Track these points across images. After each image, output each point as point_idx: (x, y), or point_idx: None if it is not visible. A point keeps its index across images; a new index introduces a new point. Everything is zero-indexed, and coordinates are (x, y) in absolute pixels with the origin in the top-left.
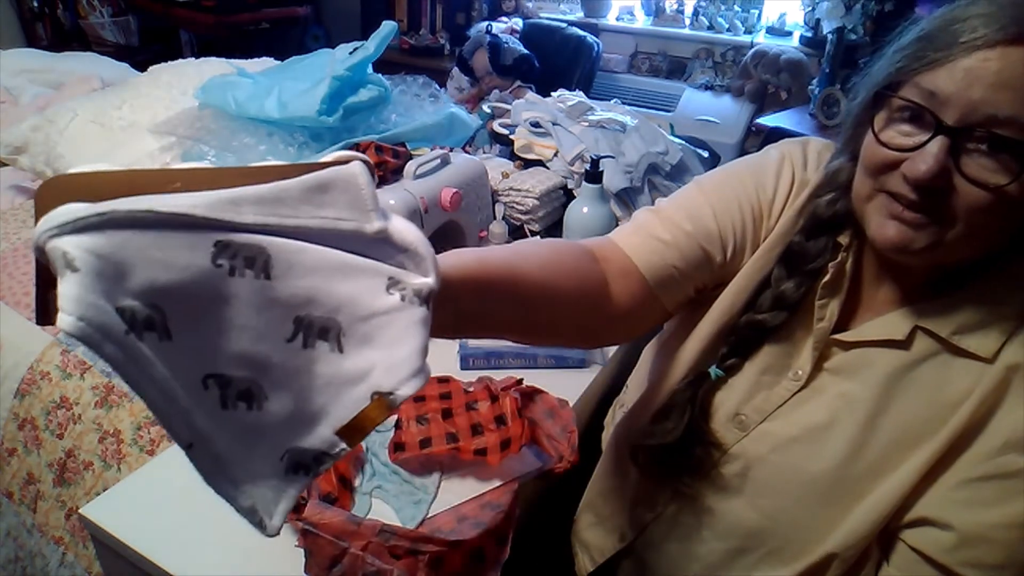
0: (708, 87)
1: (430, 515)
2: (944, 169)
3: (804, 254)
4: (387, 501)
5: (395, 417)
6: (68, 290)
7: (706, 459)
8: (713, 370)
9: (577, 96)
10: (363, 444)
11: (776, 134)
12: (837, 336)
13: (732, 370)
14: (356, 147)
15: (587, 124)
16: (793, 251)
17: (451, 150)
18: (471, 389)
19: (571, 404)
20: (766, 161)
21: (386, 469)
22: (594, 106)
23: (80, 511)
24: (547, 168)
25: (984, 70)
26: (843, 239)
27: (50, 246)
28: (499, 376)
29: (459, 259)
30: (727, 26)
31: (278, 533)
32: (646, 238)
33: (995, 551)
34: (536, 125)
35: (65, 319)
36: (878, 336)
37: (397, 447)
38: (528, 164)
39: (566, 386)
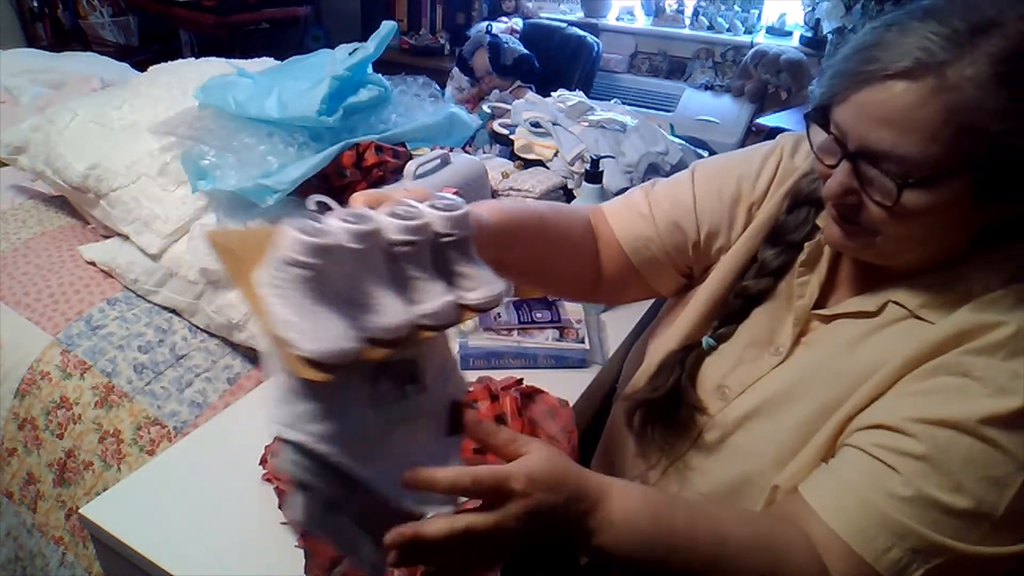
0: (708, 87)
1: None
2: (850, 189)
3: (784, 227)
4: None
5: None
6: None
7: (691, 425)
8: (705, 340)
9: (577, 96)
10: None
11: (776, 134)
12: (816, 311)
13: (722, 339)
14: (356, 147)
15: (587, 124)
16: (776, 225)
17: (451, 150)
18: (471, 389)
19: (571, 404)
20: (757, 149)
21: None
22: (594, 106)
23: (80, 511)
24: (547, 168)
25: (870, 105)
26: (820, 221)
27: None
28: (499, 376)
29: (499, 204)
30: (727, 26)
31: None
32: (629, 212)
33: (908, 441)
34: (536, 125)
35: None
36: (853, 309)
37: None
38: (528, 164)
39: (566, 386)
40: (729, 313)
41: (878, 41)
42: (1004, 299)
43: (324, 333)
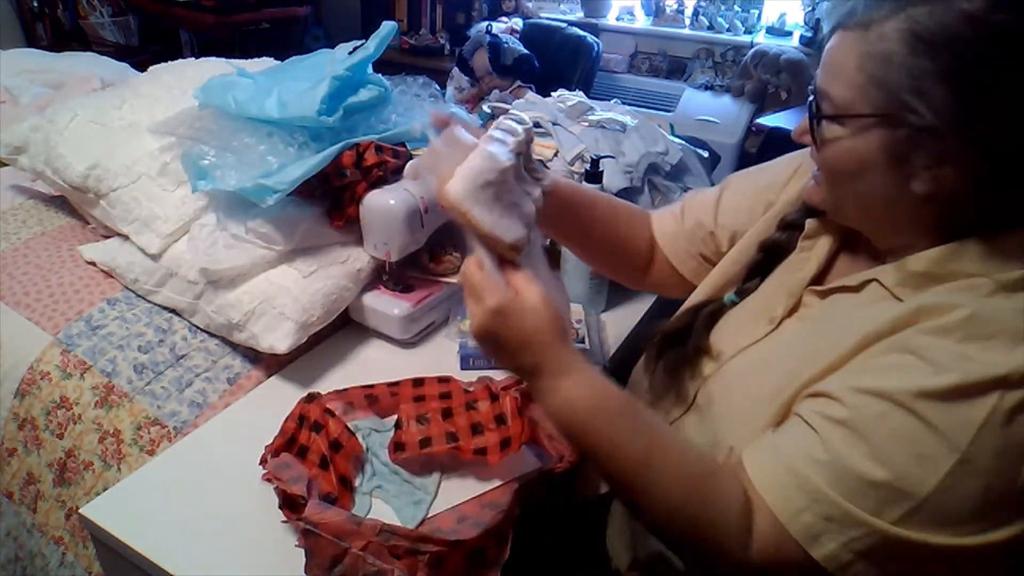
0: (708, 87)
1: (430, 515)
2: (804, 130)
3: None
4: (387, 501)
5: (395, 417)
6: None
7: (689, 386)
8: (728, 296)
9: (577, 96)
10: (363, 444)
11: (776, 134)
12: (813, 287)
13: (744, 294)
14: (356, 147)
15: (587, 124)
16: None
17: None
18: (471, 389)
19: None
20: (780, 159)
21: (386, 469)
22: (594, 106)
23: (80, 511)
24: (547, 168)
25: (826, 54)
26: None
27: None
28: (499, 376)
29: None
30: (727, 26)
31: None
32: (666, 214)
33: (839, 408)
34: (536, 125)
35: None
36: (838, 284)
37: (397, 447)
38: None
39: None
40: (753, 268)
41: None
42: (971, 285)
43: (512, 229)
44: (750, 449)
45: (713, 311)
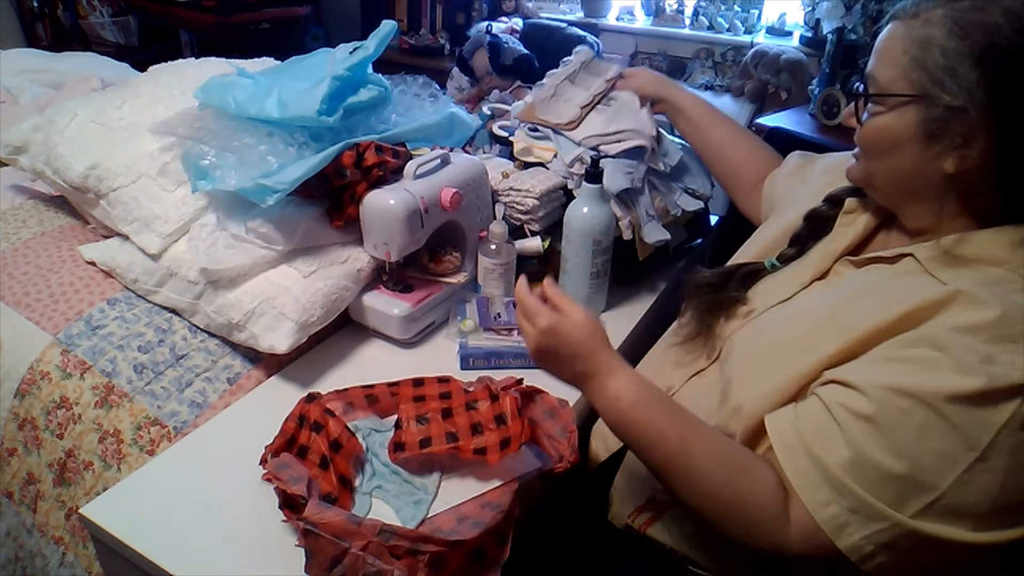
0: (708, 87)
1: (430, 515)
2: (852, 112)
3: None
4: (387, 501)
5: (395, 417)
6: None
7: (714, 340)
8: (769, 260)
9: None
10: (363, 444)
11: (776, 134)
12: (849, 257)
13: (785, 260)
14: (356, 147)
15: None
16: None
17: (451, 150)
18: (471, 389)
19: (571, 404)
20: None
21: (386, 469)
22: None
23: (80, 511)
24: (547, 168)
25: (879, 41)
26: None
27: None
28: (499, 376)
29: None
30: (727, 26)
31: None
32: (780, 169)
33: (864, 403)
34: (535, 128)
35: None
36: (873, 254)
37: (397, 447)
38: (528, 164)
39: (566, 386)
40: (795, 236)
41: None
42: (1004, 278)
43: None
44: (773, 418)
45: (751, 271)
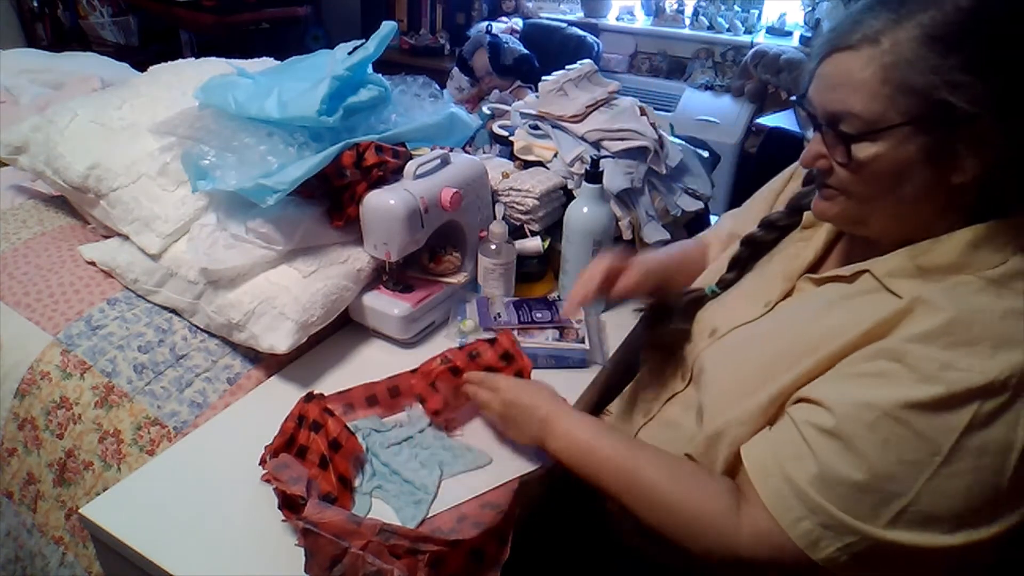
0: (708, 87)
1: (430, 515)
2: (818, 154)
3: (796, 196)
4: (387, 501)
5: (395, 417)
6: None
7: (685, 359)
8: (709, 286)
9: (580, 65)
10: (363, 444)
11: (776, 134)
12: (809, 275)
13: (725, 285)
14: (356, 147)
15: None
16: (792, 196)
17: (451, 150)
18: (465, 344)
19: (571, 404)
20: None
21: (386, 469)
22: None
23: (80, 511)
24: (547, 168)
25: (824, 76)
26: None
27: None
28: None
29: (662, 257)
30: (727, 26)
31: None
32: (715, 243)
33: (829, 418)
34: (535, 127)
35: None
36: (832, 273)
37: (436, 414)
38: (528, 164)
39: (566, 386)
40: (733, 261)
41: (835, 25)
42: (960, 282)
43: None
44: (748, 447)
45: (692, 300)
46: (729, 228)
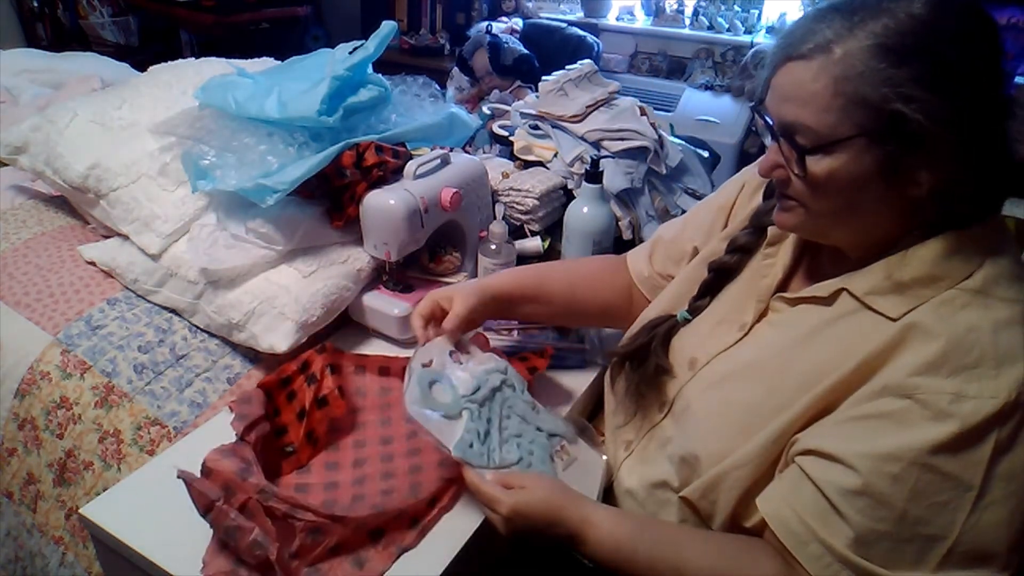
0: (708, 87)
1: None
2: (775, 164)
3: (757, 211)
4: (490, 434)
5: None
6: None
7: (665, 392)
8: (681, 313)
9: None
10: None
11: None
12: (781, 294)
13: (696, 312)
14: (356, 147)
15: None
16: (752, 212)
17: (451, 150)
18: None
19: (571, 404)
20: (731, 179)
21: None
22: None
23: (80, 511)
24: (547, 168)
25: (778, 86)
26: None
27: None
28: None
29: (511, 277)
30: (727, 26)
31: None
32: (641, 259)
33: (854, 477)
34: (535, 127)
35: None
36: (809, 294)
37: (531, 371)
38: (528, 164)
39: (566, 386)
40: (703, 287)
41: (789, 31)
42: (943, 300)
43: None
44: (767, 505)
45: (669, 328)
46: (671, 237)
